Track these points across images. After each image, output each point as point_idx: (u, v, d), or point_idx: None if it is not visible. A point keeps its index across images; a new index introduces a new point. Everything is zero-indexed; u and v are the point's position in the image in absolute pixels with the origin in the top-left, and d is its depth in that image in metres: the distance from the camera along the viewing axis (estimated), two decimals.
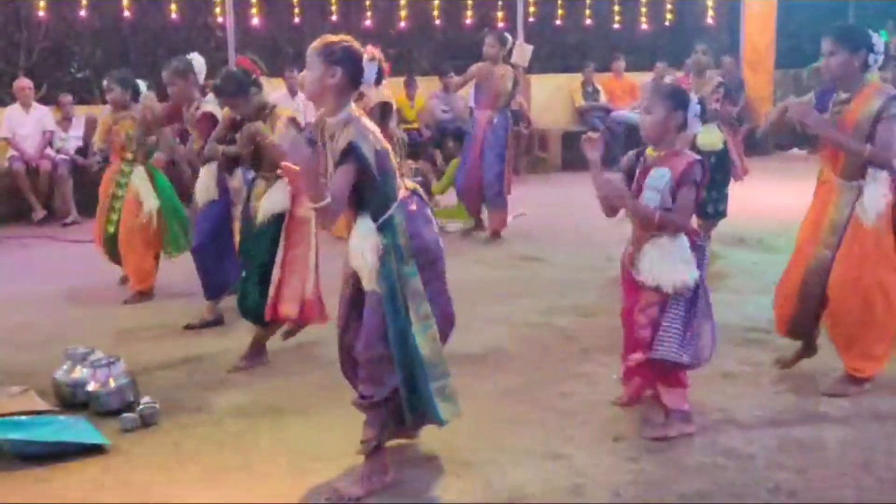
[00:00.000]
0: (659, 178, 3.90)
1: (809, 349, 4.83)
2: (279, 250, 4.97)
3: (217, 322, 5.95)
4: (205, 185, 5.79)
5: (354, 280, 3.61)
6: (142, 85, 6.76)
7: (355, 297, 3.65)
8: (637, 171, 4.05)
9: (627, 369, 4.17)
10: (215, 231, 5.83)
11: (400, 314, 3.49)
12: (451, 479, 3.70)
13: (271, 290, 4.97)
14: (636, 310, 4.03)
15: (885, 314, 4.42)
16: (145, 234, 6.58)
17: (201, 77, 6.13)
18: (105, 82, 6.76)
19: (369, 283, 3.51)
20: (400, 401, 3.59)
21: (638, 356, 4.03)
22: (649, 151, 4.02)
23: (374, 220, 3.51)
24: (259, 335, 5.18)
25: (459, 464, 3.82)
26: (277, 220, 5.00)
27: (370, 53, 3.55)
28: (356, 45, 3.58)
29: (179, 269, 6.68)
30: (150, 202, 6.56)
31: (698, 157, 3.98)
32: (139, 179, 6.60)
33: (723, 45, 12.44)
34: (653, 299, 3.97)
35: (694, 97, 3.97)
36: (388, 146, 3.60)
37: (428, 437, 3.96)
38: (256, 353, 5.17)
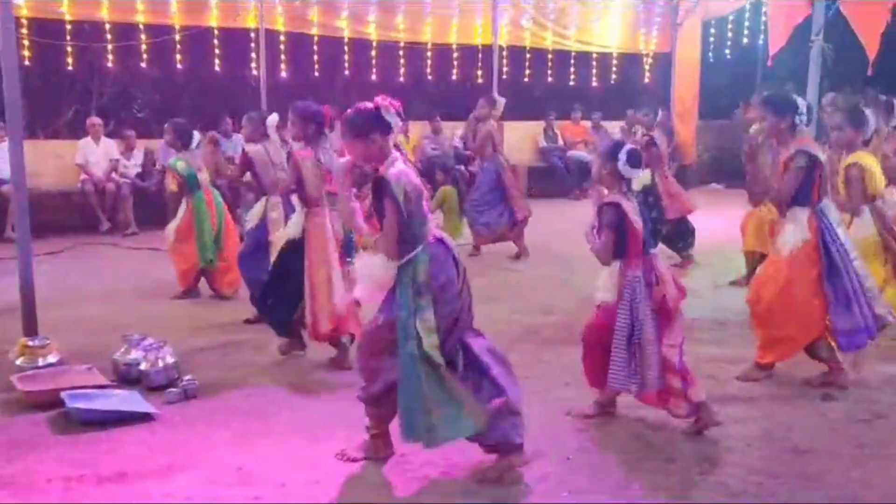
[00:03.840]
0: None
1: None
2: (305, 275, 4.71)
3: None
4: (254, 213, 5.72)
5: None
6: (196, 135, 6.65)
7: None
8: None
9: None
10: (253, 248, 5.68)
11: (410, 342, 3.22)
12: None
13: (308, 315, 4.72)
14: None
15: (778, 320, 4.41)
16: (186, 247, 6.51)
17: (271, 130, 5.85)
18: (166, 126, 6.72)
19: (363, 292, 3.39)
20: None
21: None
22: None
23: (401, 256, 3.26)
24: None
25: None
26: (291, 245, 4.80)
27: (385, 107, 3.29)
28: (369, 105, 3.32)
29: None
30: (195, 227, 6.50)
31: (613, 201, 3.78)
32: (183, 208, 6.58)
33: (657, 100, 12.48)
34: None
35: (626, 148, 3.80)
36: (423, 191, 3.31)
37: None
38: (297, 341, 5.03)
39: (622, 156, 3.76)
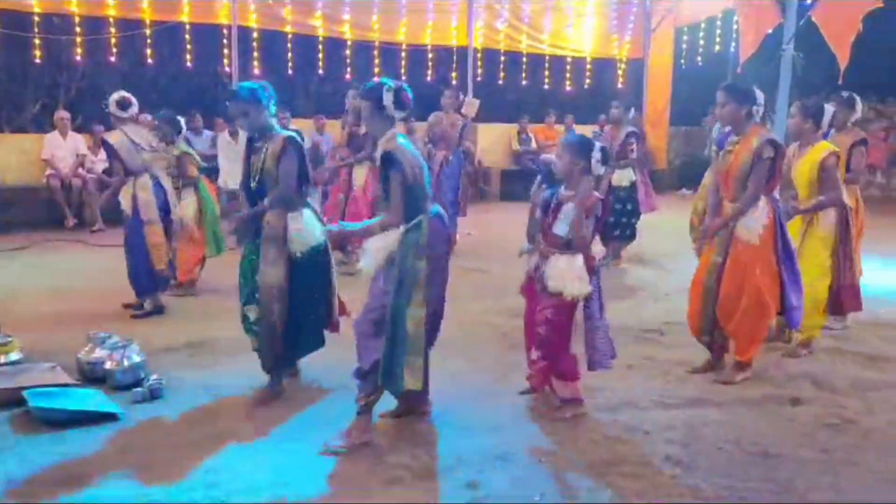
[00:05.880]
0: (568, 213, 3.87)
1: (714, 362, 4.73)
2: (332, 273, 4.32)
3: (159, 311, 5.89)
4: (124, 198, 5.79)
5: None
6: (182, 122, 6.73)
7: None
8: (552, 204, 3.96)
9: (531, 363, 4.04)
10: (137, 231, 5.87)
11: (402, 295, 3.52)
12: (404, 444, 3.65)
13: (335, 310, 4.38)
14: (537, 311, 3.96)
15: (758, 311, 4.47)
16: (188, 238, 6.49)
17: (130, 111, 5.89)
18: (157, 123, 6.69)
19: (370, 269, 3.59)
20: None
21: (536, 353, 3.95)
22: (563, 191, 3.97)
23: (407, 221, 3.56)
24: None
25: (413, 433, 3.77)
26: (315, 250, 4.18)
27: (388, 89, 3.61)
28: (379, 82, 3.65)
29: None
30: (182, 212, 6.38)
31: (598, 195, 3.89)
32: (192, 197, 6.58)
33: (629, 106, 12.60)
34: (550, 303, 3.89)
35: (597, 146, 3.87)
36: (423, 165, 3.62)
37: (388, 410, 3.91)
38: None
39: (595, 153, 3.82)
